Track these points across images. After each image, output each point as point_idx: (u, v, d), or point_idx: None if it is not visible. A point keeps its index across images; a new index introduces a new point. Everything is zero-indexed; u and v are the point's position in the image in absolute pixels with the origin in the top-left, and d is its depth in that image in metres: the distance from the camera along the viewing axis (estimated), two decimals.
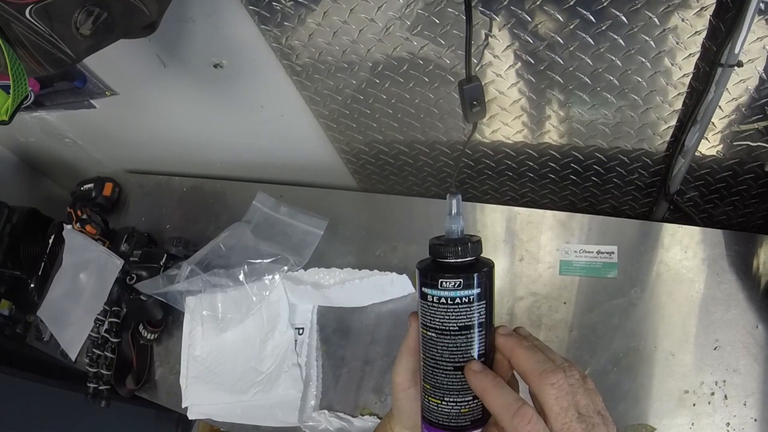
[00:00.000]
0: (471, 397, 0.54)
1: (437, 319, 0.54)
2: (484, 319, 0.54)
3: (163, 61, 1.18)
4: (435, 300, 0.54)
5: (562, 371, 0.51)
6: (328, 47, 1.01)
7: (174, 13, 1.00)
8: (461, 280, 0.52)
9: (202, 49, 1.12)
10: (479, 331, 0.54)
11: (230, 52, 1.11)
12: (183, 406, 1.24)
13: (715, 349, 0.95)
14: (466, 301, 0.53)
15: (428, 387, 0.56)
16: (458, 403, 0.54)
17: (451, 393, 0.54)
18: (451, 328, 0.53)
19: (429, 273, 0.54)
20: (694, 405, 0.93)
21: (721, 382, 0.93)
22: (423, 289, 0.55)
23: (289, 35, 1.01)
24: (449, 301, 0.53)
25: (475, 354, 0.54)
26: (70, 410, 1.68)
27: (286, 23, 0.98)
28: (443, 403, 0.55)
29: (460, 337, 0.53)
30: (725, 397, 0.92)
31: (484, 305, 0.54)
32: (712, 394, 0.92)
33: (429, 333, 0.55)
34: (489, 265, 0.55)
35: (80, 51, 0.76)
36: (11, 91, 0.72)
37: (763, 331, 0.93)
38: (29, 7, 0.68)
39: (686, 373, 0.95)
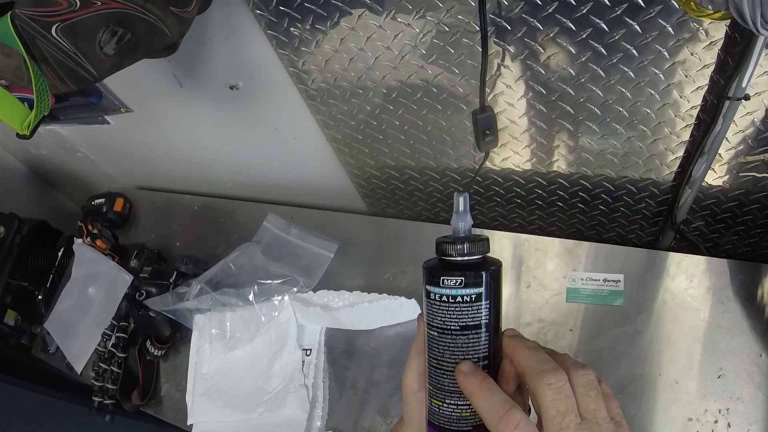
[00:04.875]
0: None
1: (438, 318, 0.52)
2: (487, 320, 0.51)
3: (180, 81, 1.20)
4: (437, 298, 0.51)
5: (563, 372, 0.47)
6: (343, 73, 1.02)
7: (193, 35, 1.01)
8: (463, 278, 0.50)
9: (218, 70, 1.13)
10: (482, 332, 0.51)
11: (246, 75, 1.13)
12: (188, 423, 1.24)
13: (719, 377, 0.95)
14: (468, 300, 0.50)
15: (431, 388, 0.54)
16: (459, 406, 0.52)
17: (452, 395, 0.52)
18: (452, 328, 0.51)
19: (433, 270, 0.52)
20: None
21: (724, 410, 0.93)
22: (426, 286, 0.53)
23: (305, 60, 1.02)
24: (450, 300, 0.51)
25: (477, 356, 0.52)
26: (74, 423, 1.68)
27: (303, 48, 0.99)
28: (444, 405, 0.52)
29: (461, 337, 0.51)
30: (729, 425, 0.92)
31: (488, 305, 0.51)
32: (716, 421, 0.93)
33: (432, 332, 0.53)
34: (496, 265, 0.52)
35: (103, 70, 0.77)
36: (34, 107, 0.74)
37: (766, 359, 0.94)
38: (55, 25, 0.69)
39: (690, 401, 0.95)
